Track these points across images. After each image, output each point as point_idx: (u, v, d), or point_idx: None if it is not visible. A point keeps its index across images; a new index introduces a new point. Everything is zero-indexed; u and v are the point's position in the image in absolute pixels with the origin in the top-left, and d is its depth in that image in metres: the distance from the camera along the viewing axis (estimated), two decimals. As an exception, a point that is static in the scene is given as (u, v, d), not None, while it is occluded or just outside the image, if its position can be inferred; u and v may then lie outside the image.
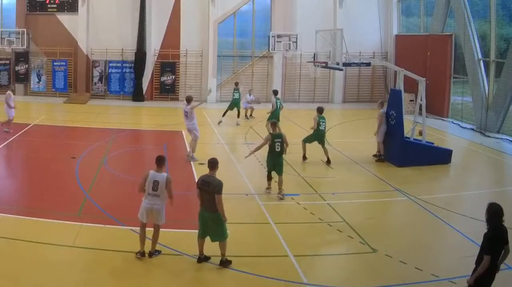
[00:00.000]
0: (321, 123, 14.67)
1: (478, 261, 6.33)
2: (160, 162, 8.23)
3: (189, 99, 14.76)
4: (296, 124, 20.24)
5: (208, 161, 8.27)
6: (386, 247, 8.91)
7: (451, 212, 10.89)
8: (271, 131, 12.00)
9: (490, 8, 20.22)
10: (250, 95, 22.09)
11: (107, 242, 8.78)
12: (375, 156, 15.49)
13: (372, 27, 27.43)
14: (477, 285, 6.25)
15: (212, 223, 7.98)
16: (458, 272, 7.68)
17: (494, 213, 6.32)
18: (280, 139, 11.67)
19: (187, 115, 14.55)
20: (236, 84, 21.86)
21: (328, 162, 14.63)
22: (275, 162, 11.73)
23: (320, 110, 14.98)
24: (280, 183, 11.59)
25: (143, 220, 8.22)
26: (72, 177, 12.65)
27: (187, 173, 13.53)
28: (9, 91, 17.57)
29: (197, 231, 8.21)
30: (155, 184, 8.06)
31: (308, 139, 15.00)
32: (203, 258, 8.15)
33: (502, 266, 6.57)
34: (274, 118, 15.84)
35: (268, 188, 11.92)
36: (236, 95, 21.09)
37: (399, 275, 7.98)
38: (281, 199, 11.39)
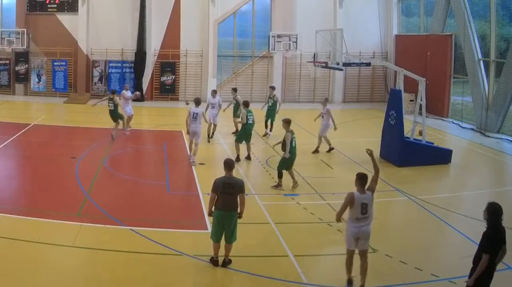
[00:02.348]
0: (248, 117, 14.46)
1: (476, 260, 6.34)
2: (362, 180, 7.70)
3: (198, 102, 14.47)
4: (298, 125, 20.19)
5: (224, 162, 8.24)
6: (386, 247, 8.90)
7: (451, 212, 10.89)
8: (286, 130, 12.44)
9: (490, 8, 20.22)
10: (214, 97, 17.96)
11: (107, 242, 8.78)
12: (328, 151, 15.85)
13: (372, 27, 27.38)
14: (475, 285, 6.26)
15: (229, 223, 7.99)
16: (458, 272, 7.66)
17: (493, 212, 6.32)
18: (294, 135, 12.42)
19: (197, 117, 14.16)
20: (273, 88, 19.33)
21: (248, 158, 14.70)
22: (293, 157, 12.27)
23: (246, 104, 14.79)
24: (293, 174, 12.35)
25: (350, 247, 7.62)
26: (72, 177, 12.65)
27: (187, 173, 13.55)
28: (123, 91, 18.68)
29: (210, 233, 8.23)
30: (364, 206, 7.51)
31: (239, 138, 14.72)
32: (217, 260, 8.10)
33: (501, 266, 6.57)
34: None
35: (280, 185, 12.24)
36: (272, 106, 18.35)
37: (399, 275, 7.98)
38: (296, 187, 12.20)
